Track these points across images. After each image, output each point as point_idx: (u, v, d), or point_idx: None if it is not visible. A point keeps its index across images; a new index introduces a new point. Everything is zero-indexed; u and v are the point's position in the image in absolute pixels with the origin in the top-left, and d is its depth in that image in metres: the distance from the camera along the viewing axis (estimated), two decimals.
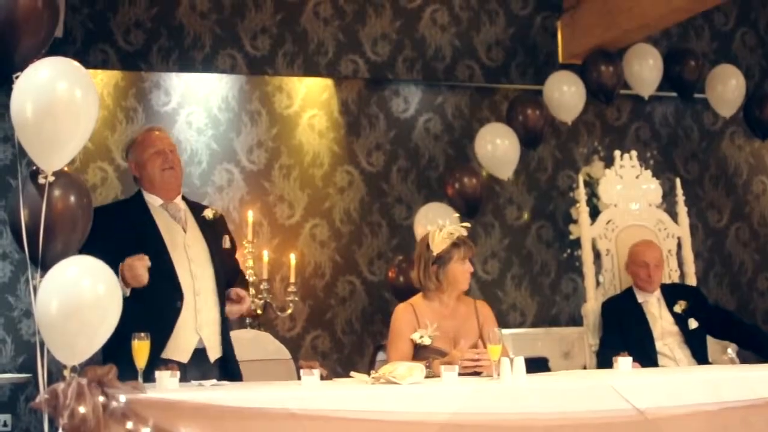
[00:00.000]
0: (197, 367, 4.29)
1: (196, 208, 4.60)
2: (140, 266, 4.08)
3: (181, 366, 4.12)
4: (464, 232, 4.75)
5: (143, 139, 4.51)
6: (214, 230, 4.56)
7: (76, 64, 3.66)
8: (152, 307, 4.13)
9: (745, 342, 5.75)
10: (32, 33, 3.55)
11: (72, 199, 3.64)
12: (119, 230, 4.24)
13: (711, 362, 5.62)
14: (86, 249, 3.82)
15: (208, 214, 4.57)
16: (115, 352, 3.77)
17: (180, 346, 4.26)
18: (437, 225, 4.79)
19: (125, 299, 3.81)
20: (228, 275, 4.59)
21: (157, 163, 4.43)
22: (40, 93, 3.51)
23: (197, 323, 4.34)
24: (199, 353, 4.34)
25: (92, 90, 3.67)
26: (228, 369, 4.42)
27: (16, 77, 3.55)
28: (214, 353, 4.39)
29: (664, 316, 5.57)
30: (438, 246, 4.65)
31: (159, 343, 4.11)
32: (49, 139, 3.54)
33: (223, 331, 4.46)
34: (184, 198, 4.60)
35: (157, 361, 3.99)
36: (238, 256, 4.96)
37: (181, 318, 4.29)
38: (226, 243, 4.61)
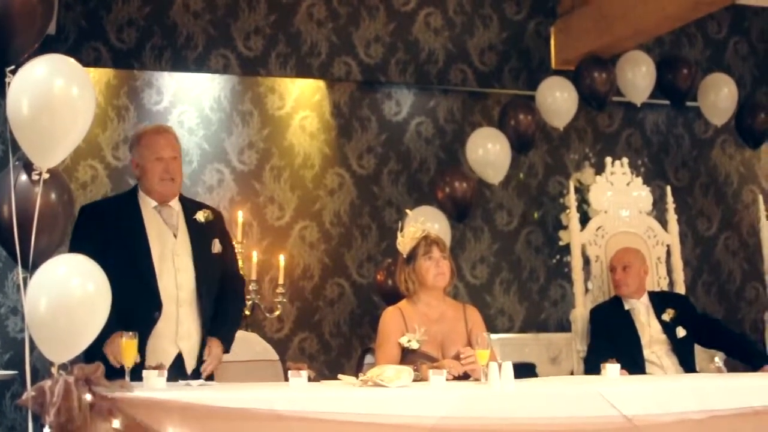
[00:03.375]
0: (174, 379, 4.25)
1: (192, 208, 4.52)
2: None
3: None
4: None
5: (148, 141, 4.42)
6: (204, 234, 4.48)
7: (72, 61, 3.65)
8: (128, 315, 4.00)
9: (732, 351, 5.77)
10: (26, 27, 3.54)
11: (53, 196, 3.62)
12: (106, 230, 4.20)
13: (698, 370, 5.63)
14: (74, 248, 3.80)
15: (200, 217, 4.48)
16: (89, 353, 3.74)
17: (158, 357, 4.16)
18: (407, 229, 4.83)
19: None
20: (219, 279, 4.51)
21: (156, 171, 4.37)
22: (36, 90, 3.50)
23: (177, 334, 4.30)
24: (178, 362, 4.29)
25: (89, 87, 3.67)
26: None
27: (10, 71, 3.54)
28: (191, 365, 4.34)
29: (652, 324, 5.57)
30: (403, 246, 4.74)
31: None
32: (45, 135, 3.53)
33: (203, 343, 4.40)
34: (182, 197, 4.53)
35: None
36: None
37: (161, 328, 4.25)
38: (216, 247, 4.50)
